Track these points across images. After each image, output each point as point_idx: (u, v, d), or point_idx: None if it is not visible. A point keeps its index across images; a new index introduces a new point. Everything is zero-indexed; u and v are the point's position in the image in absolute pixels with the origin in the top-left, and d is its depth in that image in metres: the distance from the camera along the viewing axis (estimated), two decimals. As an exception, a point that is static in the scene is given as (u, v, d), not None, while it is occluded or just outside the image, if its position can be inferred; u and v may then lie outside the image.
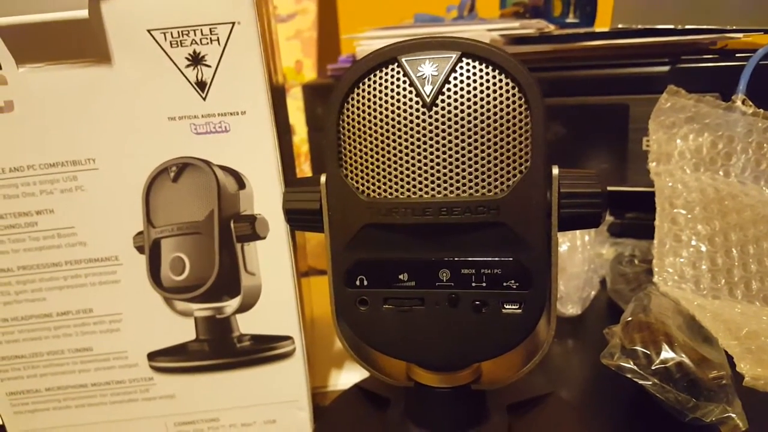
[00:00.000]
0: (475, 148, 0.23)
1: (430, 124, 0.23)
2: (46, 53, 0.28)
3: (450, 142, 0.23)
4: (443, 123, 0.23)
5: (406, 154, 0.24)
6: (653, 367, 0.31)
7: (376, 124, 0.24)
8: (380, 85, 0.24)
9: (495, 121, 0.23)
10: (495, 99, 0.23)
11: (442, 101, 0.23)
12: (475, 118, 0.23)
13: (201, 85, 0.28)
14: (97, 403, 0.33)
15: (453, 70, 0.23)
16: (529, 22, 0.60)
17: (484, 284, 0.25)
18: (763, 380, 0.30)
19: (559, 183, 0.24)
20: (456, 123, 0.23)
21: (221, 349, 0.32)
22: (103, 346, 0.32)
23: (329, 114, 0.25)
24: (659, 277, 0.40)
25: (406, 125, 0.24)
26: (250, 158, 0.30)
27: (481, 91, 0.23)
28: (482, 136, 0.23)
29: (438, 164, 0.24)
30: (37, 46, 0.27)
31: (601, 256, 0.51)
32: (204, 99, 0.29)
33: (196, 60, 0.28)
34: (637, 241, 0.52)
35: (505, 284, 0.25)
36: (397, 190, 0.24)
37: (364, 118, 0.24)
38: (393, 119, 0.24)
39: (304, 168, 0.76)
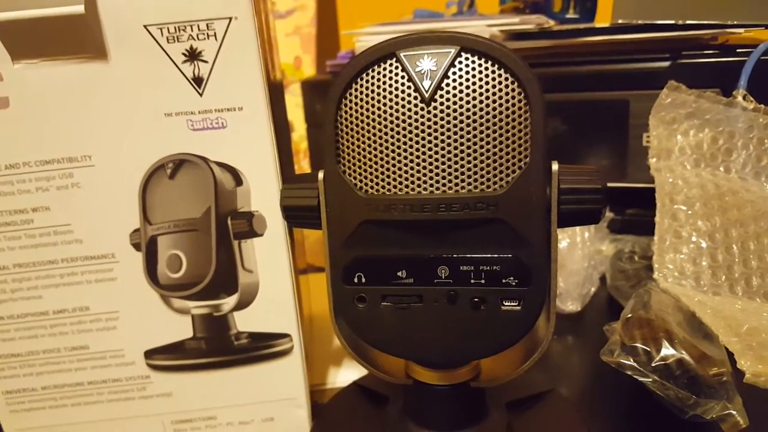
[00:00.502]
0: (474, 143, 0.23)
1: (429, 119, 0.23)
2: (41, 49, 0.27)
3: (449, 137, 0.23)
4: (442, 118, 0.23)
5: (405, 150, 0.24)
6: (653, 364, 0.31)
7: (374, 120, 0.24)
8: (378, 80, 0.24)
9: (494, 117, 0.23)
10: (494, 94, 0.23)
11: (441, 96, 0.23)
12: (474, 114, 0.23)
13: (198, 81, 0.28)
14: (93, 401, 0.33)
15: (452, 65, 0.23)
16: (529, 18, 0.60)
17: (482, 281, 0.25)
18: (764, 377, 0.29)
19: (558, 179, 0.24)
20: (455, 118, 0.23)
21: (218, 346, 0.32)
22: (99, 344, 0.32)
23: (327, 109, 0.25)
24: (659, 273, 0.40)
25: (404, 120, 0.23)
26: (248, 155, 0.30)
27: (480, 86, 0.23)
28: (481, 132, 0.23)
29: (437, 160, 0.23)
30: (33, 42, 0.27)
31: (601, 252, 0.51)
32: (201, 95, 0.28)
33: (192, 56, 0.28)
34: (637, 238, 0.51)
35: (504, 281, 0.25)
36: (395, 186, 0.24)
37: (362, 114, 0.24)
38: (391, 114, 0.23)
39: (303, 165, 0.76)
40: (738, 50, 0.49)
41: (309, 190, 0.26)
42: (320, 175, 0.26)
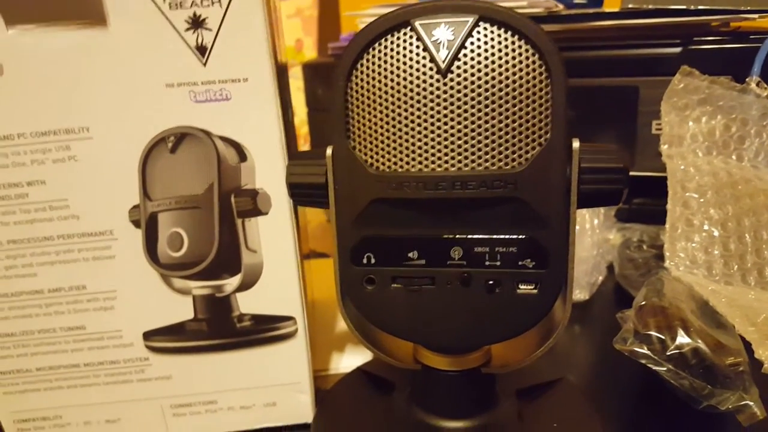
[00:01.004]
0: (492, 118, 0.22)
1: (445, 92, 0.22)
2: (37, 14, 0.26)
3: (465, 111, 0.22)
4: (459, 91, 0.22)
5: (419, 125, 0.23)
6: (668, 353, 0.30)
7: (386, 92, 0.23)
8: (392, 50, 0.23)
9: (514, 90, 0.22)
10: (514, 66, 0.22)
11: (458, 67, 0.22)
12: (493, 86, 0.22)
13: (201, 50, 0.27)
14: (90, 383, 0.32)
15: (469, 34, 0.22)
16: (538, 1, 0.58)
17: (498, 263, 0.24)
18: (783, 367, 0.29)
19: (579, 157, 0.23)
20: (472, 91, 0.22)
21: (220, 328, 0.31)
22: (96, 325, 0.31)
23: (337, 81, 0.24)
24: (671, 262, 0.39)
25: (418, 93, 0.22)
26: (252, 129, 0.28)
27: (500, 57, 0.22)
28: (500, 105, 0.22)
29: (452, 135, 0.22)
30: (28, 7, 0.26)
31: (608, 241, 0.50)
32: (204, 65, 0.27)
33: (196, 23, 0.27)
34: (645, 227, 0.51)
35: (520, 263, 0.24)
36: (408, 163, 0.23)
37: (374, 86, 0.23)
38: (405, 87, 0.22)
39: (304, 149, 0.74)
40: (751, 36, 0.48)
41: (316, 166, 0.25)
42: (328, 150, 0.25)
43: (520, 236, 0.23)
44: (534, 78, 0.22)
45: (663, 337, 0.30)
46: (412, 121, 0.23)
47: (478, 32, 0.22)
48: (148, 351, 0.31)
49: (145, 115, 0.28)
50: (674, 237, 0.41)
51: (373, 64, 0.23)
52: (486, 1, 0.22)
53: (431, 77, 0.22)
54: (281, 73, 0.30)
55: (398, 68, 0.22)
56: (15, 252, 0.29)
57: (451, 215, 0.24)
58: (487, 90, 0.22)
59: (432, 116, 0.22)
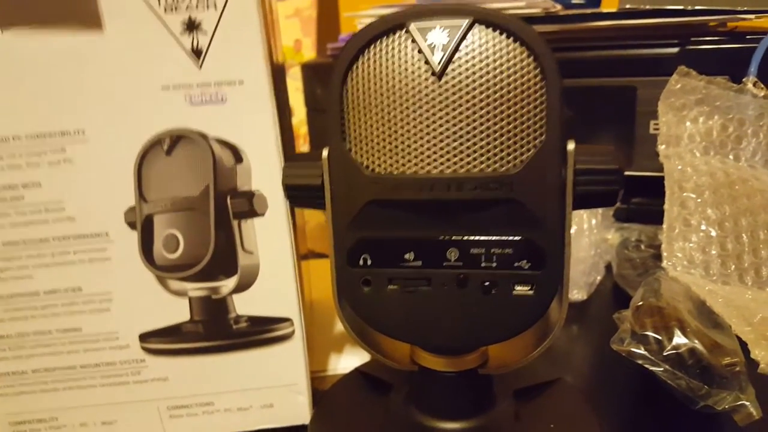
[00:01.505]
0: (487, 120, 0.22)
1: (440, 94, 0.22)
2: (31, 16, 0.26)
3: (460, 113, 0.22)
4: (454, 93, 0.22)
5: (414, 127, 0.23)
6: (665, 353, 0.30)
7: (382, 94, 0.23)
8: (387, 53, 0.23)
9: (508, 92, 0.22)
10: (508, 68, 0.22)
11: (453, 70, 0.22)
12: (488, 89, 0.22)
13: (197, 53, 0.27)
14: (86, 385, 0.32)
15: (464, 37, 0.22)
16: (535, 2, 0.58)
17: (494, 264, 0.24)
18: (779, 367, 0.29)
19: (574, 159, 0.23)
20: (467, 93, 0.22)
21: (217, 330, 0.31)
22: (92, 327, 0.31)
23: (332, 83, 0.24)
24: (668, 262, 0.39)
25: (414, 95, 0.22)
26: (248, 131, 0.28)
27: (494, 60, 0.22)
28: (495, 108, 0.22)
29: (448, 137, 0.22)
30: (22, 9, 0.26)
31: (606, 241, 0.50)
32: (200, 68, 0.27)
33: (191, 26, 0.27)
34: (643, 227, 0.51)
35: (516, 264, 0.24)
36: (404, 165, 0.23)
37: (369, 88, 0.23)
38: (400, 89, 0.23)
39: (303, 150, 0.74)
40: (747, 37, 0.48)
41: (313, 168, 0.25)
42: (325, 152, 0.25)
43: (516, 238, 0.23)
44: (529, 80, 0.22)
45: (660, 338, 0.30)
46: (408, 124, 0.23)
47: (473, 35, 0.22)
48: (145, 353, 0.31)
49: (141, 117, 0.28)
50: (671, 237, 0.41)
51: (369, 66, 0.23)
52: (481, 4, 0.22)
53: (426, 80, 0.22)
54: (278, 74, 0.30)
55: (393, 71, 0.23)
56: (10, 254, 0.29)
57: (447, 217, 0.24)
58: (481, 92, 0.22)
59: (427, 118, 0.22)
